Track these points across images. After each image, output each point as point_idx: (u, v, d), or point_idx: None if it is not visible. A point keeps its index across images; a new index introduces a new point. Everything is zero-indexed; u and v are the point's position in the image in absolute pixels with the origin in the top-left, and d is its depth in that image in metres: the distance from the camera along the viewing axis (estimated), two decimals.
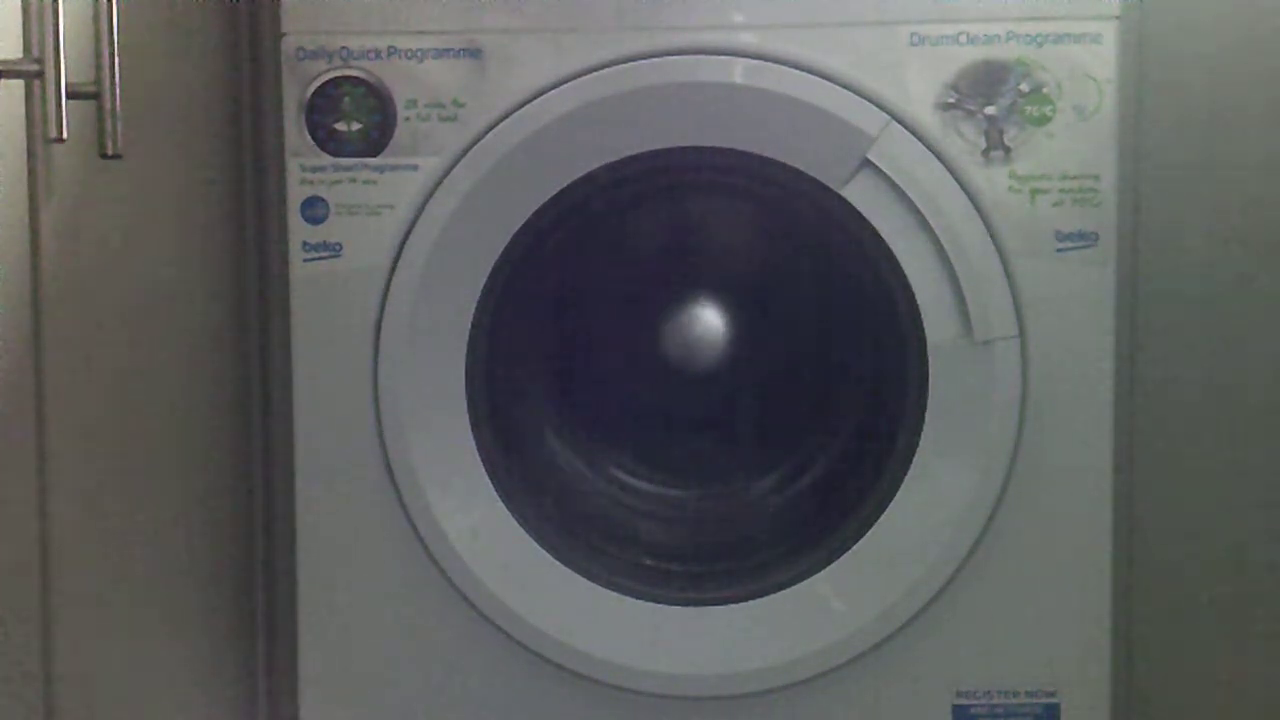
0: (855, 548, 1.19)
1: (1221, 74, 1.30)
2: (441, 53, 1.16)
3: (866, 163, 1.14)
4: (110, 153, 0.94)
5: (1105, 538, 1.18)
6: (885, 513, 1.18)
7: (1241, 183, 1.30)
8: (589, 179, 1.16)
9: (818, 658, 1.19)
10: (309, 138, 1.17)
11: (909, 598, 1.17)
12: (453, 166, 1.16)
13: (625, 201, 1.25)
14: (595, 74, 1.15)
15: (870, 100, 1.14)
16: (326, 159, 1.17)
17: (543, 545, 1.21)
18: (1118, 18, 1.15)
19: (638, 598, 1.21)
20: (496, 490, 1.20)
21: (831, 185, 1.15)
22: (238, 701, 1.32)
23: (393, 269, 1.17)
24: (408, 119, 1.16)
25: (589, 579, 1.21)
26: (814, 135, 1.14)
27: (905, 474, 1.18)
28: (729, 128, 1.15)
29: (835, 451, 1.31)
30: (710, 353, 1.27)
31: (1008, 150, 1.15)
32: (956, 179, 1.14)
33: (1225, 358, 1.31)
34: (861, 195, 1.15)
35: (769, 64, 1.15)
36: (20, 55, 0.93)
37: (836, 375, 1.32)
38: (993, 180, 1.15)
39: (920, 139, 1.14)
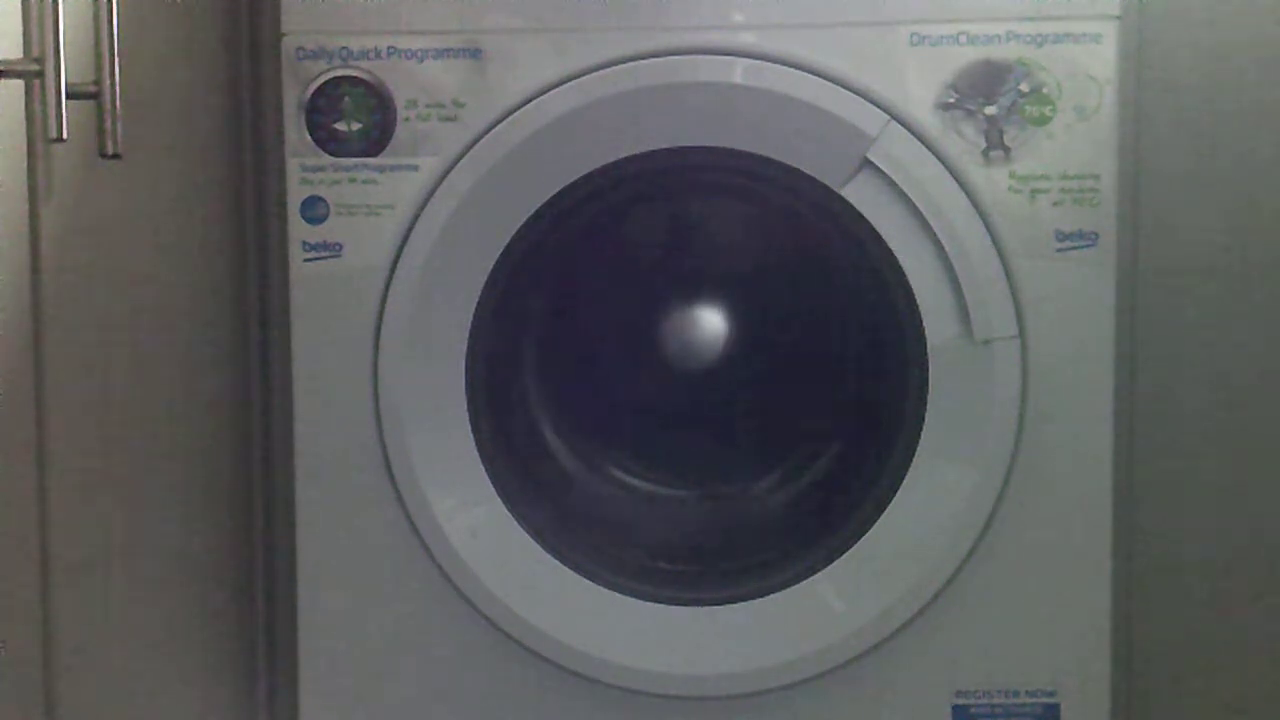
0: (855, 548, 1.19)
1: (1221, 74, 1.30)
2: (441, 53, 1.16)
3: (866, 163, 1.14)
4: (110, 153, 0.94)
5: (1105, 538, 1.18)
6: (885, 513, 1.18)
7: (1241, 182, 1.30)
8: (589, 179, 1.16)
9: (818, 658, 1.19)
10: (309, 138, 1.17)
11: (909, 598, 1.17)
12: (453, 166, 1.16)
13: (625, 201, 1.25)
14: (595, 74, 1.15)
15: (870, 100, 1.14)
16: (326, 159, 1.17)
17: (543, 545, 1.21)
18: (1118, 18, 1.15)
19: (638, 598, 1.21)
20: (496, 490, 1.20)
21: (831, 185, 1.15)
22: (238, 702, 1.32)
23: (393, 269, 1.17)
24: (408, 119, 1.16)
25: (589, 579, 1.21)
26: (814, 135, 1.14)
27: (905, 474, 1.18)
28: (729, 128, 1.15)
29: (835, 451, 1.31)
30: (710, 352, 1.27)
31: (1008, 150, 1.15)
32: (956, 179, 1.14)
33: (1225, 358, 1.31)
34: (861, 195, 1.15)
35: (769, 64, 1.15)
36: (20, 55, 0.93)
37: (836, 375, 1.32)
38: (993, 180, 1.15)
39: (920, 139, 1.14)
